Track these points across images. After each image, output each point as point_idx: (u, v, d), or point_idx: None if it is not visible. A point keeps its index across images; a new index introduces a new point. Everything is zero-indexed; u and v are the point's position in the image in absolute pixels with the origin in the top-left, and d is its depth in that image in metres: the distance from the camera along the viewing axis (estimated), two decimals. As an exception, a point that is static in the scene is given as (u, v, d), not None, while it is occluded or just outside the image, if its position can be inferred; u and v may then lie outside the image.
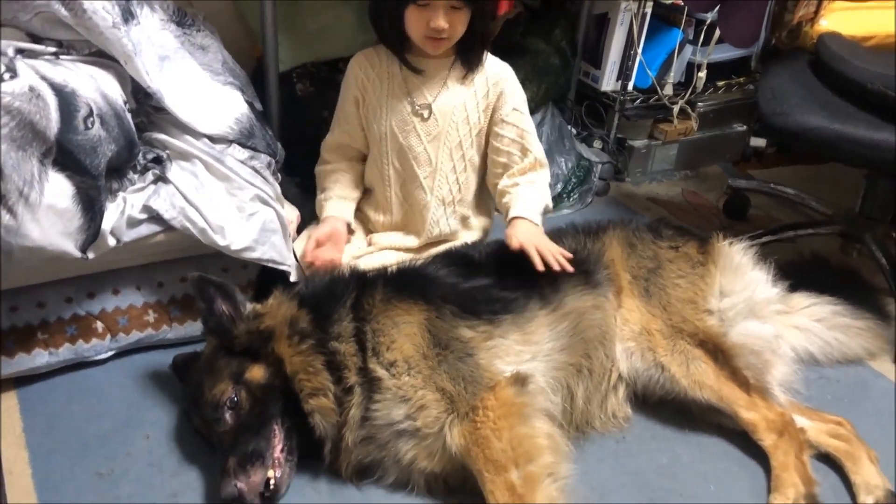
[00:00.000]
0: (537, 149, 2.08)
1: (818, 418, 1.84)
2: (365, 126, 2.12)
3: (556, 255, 1.82)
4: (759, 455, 1.76)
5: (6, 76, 1.61)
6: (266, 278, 2.08)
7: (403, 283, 1.79)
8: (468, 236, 2.20)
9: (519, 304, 1.80)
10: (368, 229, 2.22)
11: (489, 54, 2.08)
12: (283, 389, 1.64)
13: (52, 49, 1.78)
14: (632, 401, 1.89)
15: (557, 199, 2.87)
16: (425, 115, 2.04)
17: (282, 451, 1.63)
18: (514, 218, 1.95)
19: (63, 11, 1.71)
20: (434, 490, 1.65)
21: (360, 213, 2.21)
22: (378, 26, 2.01)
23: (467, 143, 2.08)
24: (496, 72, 2.07)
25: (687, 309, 1.88)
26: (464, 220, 2.19)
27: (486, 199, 2.23)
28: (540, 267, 1.80)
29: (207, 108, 1.99)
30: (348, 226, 2.13)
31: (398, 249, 2.15)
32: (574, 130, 3.10)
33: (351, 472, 1.66)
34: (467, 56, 2.02)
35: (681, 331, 1.85)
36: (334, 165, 2.16)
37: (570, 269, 1.81)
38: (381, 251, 2.14)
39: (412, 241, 2.16)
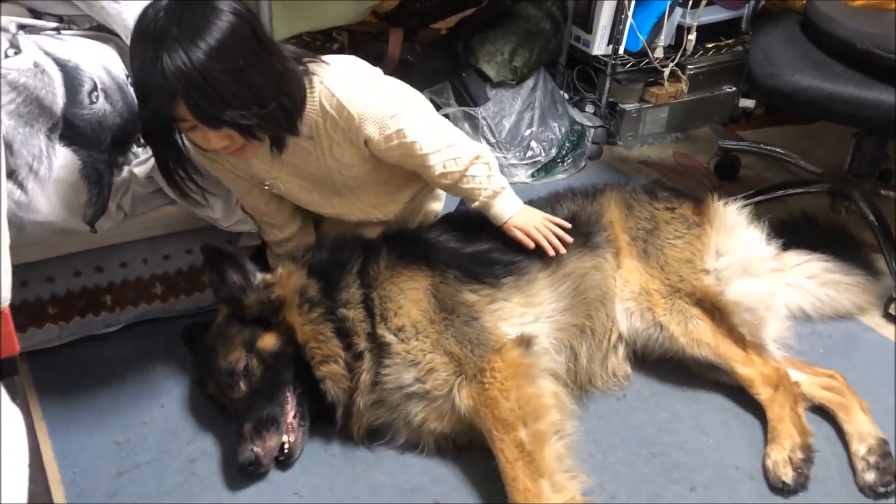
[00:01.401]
0: (436, 143, 1.79)
1: (811, 372, 1.90)
2: None
3: (557, 231, 1.85)
4: (756, 409, 1.82)
5: (10, 52, 1.62)
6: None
7: (407, 250, 1.83)
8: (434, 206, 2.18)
9: (520, 266, 1.84)
10: None
11: (325, 77, 1.69)
12: (295, 357, 1.68)
13: (53, 24, 1.79)
14: (632, 360, 1.95)
15: (552, 164, 2.90)
16: (306, 186, 1.88)
17: (294, 416, 1.68)
18: (505, 223, 1.85)
19: (63, -13, 1.71)
20: (444, 450, 1.71)
21: None
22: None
23: (357, 170, 1.86)
24: (347, 116, 1.71)
25: (684, 268, 1.93)
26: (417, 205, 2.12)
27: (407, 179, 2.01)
28: (551, 252, 1.83)
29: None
30: None
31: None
32: (566, 95, 3.12)
33: (362, 434, 1.72)
34: (276, 141, 1.67)
35: (678, 290, 1.90)
36: (271, 236, 2.04)
37: (569, 239, 1.85)
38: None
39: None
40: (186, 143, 1.67)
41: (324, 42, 2.56)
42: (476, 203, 1.87)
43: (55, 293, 1.90)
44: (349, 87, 1.71)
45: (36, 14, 1.79)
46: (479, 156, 1.83)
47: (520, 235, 1.84)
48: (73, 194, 1.71)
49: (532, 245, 1.83)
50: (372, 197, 1.98)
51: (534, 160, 2.87)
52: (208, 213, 1.91)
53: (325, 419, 1.72)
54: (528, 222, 1.86)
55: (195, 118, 1.50)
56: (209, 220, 1.93)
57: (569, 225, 1.89)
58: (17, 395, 1.14)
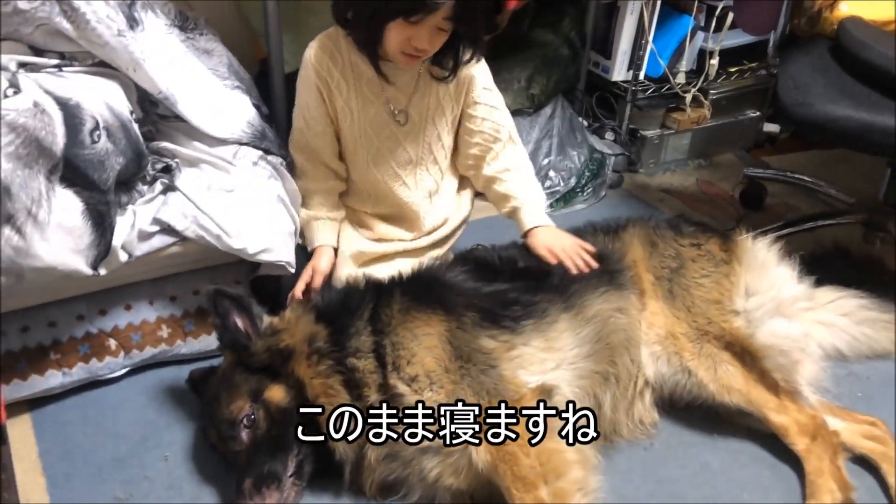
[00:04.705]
0: (509, 123, 2.06)
1: (851, 419, 1.80)
2: (337, 127, 2.00)
3: (583, 256, 1.87)
4: (793, 459, 1.72)
5: (9, 92, 1.57)
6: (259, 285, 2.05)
7: (421, 292, 1.74)
8: (455, 216, 2.18)
9: (540, 308, 1.75)
10: (357, 220, 2.14)
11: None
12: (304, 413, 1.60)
13: (55, 61, 1.73)
14: (659, 406, 1.85)
15: (571, 194, 2.82)
16: (402, 120, 1.96)
17: (291, 475, 1.58)
18: (532, 228, 1.97)
19: (65, 24, 1.66)
20: (461, 506, 1.61)
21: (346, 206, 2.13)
22: (349, 29, 1.84)
23: (445, 132, 2.03)
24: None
25: (712, 310, 1.83)
26: (451, 199, 2.16)
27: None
28: (573, 269, 1.84)
29: (219, 112, 1.95)
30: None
31: (393, 241, 2.11)
32: (585, 122, 3.05)
33: (375, 489, 1.63)
34: (438, 65, 1.91)
35: (707, 333, 1.80)
36: (314, 182, 2.03)
37: (594, 264, 1.86)
38: (387, 257, 2.10)
39: (406, 235, 2.12)
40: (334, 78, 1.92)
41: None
42: (506, 209, 2.04)
43: (57, 338, 1.83)
44: None
45: (37, 51, 1.73)
46: (526, 165, 2.07)
47: (544, 252, 1.89)
48: (74, 238, 1.65)
49: (554, 261, 1.86)
50: (430, 180, 2.08)
51: (552, 190, 2.78)
52: (232, 244, 1.83)
53: (334, 474, 1.63)
54: (556, 243, 1.90)
55: (451, 20, 1.71)
56: (232, 251, 1.85)
57: (594, 249, 1.89)
58: (3, 469, 1.07)
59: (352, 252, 2.04)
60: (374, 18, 1.75)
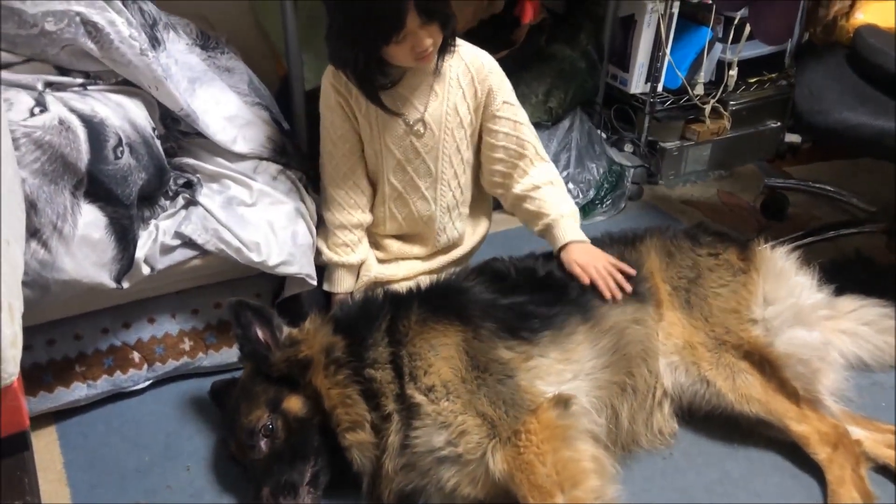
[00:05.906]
0: (535, 140, 2.02)
1: (874, 428, 1.78)
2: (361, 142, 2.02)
3: (618, 277, 1.84)
4: (814, 468, 1.71)
5: (36, 110, 1.62)
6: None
7: (439, 302, 1.76)
8: (472, 237, 2.20)
9: (558, 320, 1.76)
10: (372, 241, 2.15)
11: (465, 43, 1.96)
12: (321, 423, 1.61)
13: (80, 80, 1.77)
14: (678, 415, 1.84)
15: (590, 206, 2.82)
16: (421, 130, 1.96)
17: (306, 484, 1.60)
18: (565, 244, 1.93)
19: (90, 44, 1.70)
20: (478, 516, 1.61)
21: None
22: (348, 71, 1.85)
23: (464, 145, 2.01)
24: (479, 65, 1.95)
25: (730, 319, 1.83)
26: (467, 220, 2.17)
27: (484, 196, 2.21)
28: (607, 294, 1.82)
29: (240, 128, 1.99)
30: None
31: (406, 258, 2.13)
32: (604, 135, 3.05)
33: (393, 499, 1.63)
34: (442, 53, 1.88)
35: (725, 343, 1.80)
36: (342, 215, 2.02)
37: (628, 288, 1.83)
38: (401, 268, 2.12)
39: (419, 251, 2.14)
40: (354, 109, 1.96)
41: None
42: (538, 227, 2.00)
43: (82, 351, 1.87)
44: (486, 55, 1.99)
45: (63, 71, 1.77)
46: (557, 180, 2.03)
47: (577, 271, 1.86)
48: (98, 251, 1.68)
49: (587, 280, 1.84)
50: (449, 194, 2.07)
51: (571, 203, 2.79)
52: (252, 257, 1.87)
53: (351, 484, 1.64)
54: (590, 262, 1.87)
55: (423, 17, 1.71)
56: (252, 264, 1.88)
57: (633, 271, 1.86)
58: (26, 472, 1.09)
59: (368, 280, 2.07)
60: (364, 58, 1.78)
